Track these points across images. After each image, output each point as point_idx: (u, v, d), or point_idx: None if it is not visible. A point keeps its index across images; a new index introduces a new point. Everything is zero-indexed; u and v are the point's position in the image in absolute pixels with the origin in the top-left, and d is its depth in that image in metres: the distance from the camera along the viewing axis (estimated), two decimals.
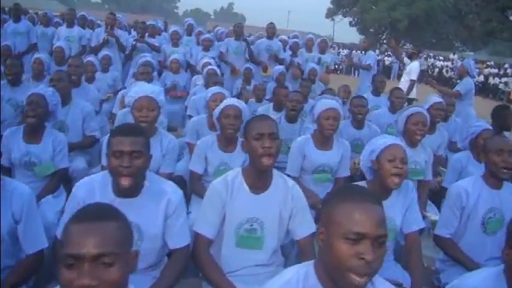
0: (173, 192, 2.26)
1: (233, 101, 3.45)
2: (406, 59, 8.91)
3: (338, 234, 1.36)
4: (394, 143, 2.46)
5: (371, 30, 45.47)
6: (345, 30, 54.72)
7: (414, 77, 8.00)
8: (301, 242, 2.35)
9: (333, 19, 50.38)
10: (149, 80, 5.79)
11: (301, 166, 3.59)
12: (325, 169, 3.60)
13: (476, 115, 6.59)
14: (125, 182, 2.05)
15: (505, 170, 2.64)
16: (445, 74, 24.23)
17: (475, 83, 7.14)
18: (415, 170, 3.59)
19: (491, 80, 21.58)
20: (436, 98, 4.60)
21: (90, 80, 5.97)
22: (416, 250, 2.53)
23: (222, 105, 3.41)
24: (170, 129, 4.86)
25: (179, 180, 3.54)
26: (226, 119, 3.33)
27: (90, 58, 6.31)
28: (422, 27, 41.94)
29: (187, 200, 3.29)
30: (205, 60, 6.92)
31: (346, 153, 3.70)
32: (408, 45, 47.30)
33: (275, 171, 2.41)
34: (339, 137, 3.80)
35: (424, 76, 24.91)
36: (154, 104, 3.16)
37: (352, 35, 52.58)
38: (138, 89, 3.20)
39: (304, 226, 2.36)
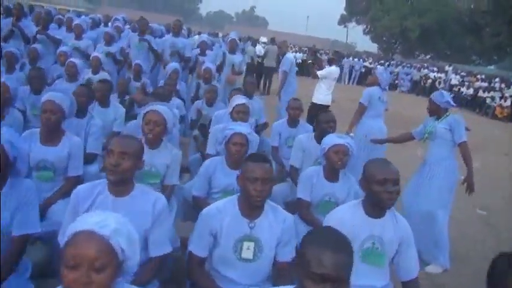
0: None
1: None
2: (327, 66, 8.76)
3: None
4: None
5: (384, 38, 44.85)
6: (362, 38, 54.06)
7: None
8: None
9: (345, 26, 49.93)
10: (11, 71, 5.92)
11: None
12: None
13: (381, 128, 5.73)
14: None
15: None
16: (437, 85, 23.66)
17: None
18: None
19: (481, 94, 20.99)
20: (239, 99, 4.32)
21: None
22: None
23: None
24: None
25: None
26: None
27: None
28: (434, 38, 41.08)
29: None
30: (93, 54, 6.94)
31: None
32: (422, 56, 46.52)
33: None
34: None
35: (416, 87, 24.54)
36: None
37: (371, 43, 51.82)
38: None
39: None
